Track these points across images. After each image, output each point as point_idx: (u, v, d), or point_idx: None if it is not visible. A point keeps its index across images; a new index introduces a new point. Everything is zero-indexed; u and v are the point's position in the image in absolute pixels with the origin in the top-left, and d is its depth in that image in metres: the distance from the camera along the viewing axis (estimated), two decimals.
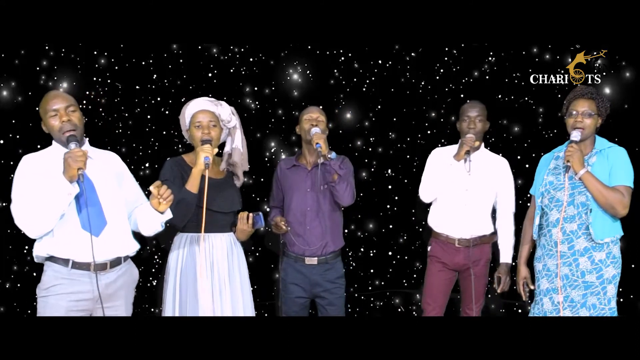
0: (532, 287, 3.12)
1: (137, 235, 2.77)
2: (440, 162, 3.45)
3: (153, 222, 2.67)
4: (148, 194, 2.68)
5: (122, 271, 2.63)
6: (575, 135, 2.89)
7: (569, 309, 2.89)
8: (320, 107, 3.46)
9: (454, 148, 3.49)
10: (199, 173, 2.80)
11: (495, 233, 3.49)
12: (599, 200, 2.83)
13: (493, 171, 3.45)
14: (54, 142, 2.63)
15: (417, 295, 4.80)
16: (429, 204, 3.57)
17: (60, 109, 2.55)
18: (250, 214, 2.99)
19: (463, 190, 3.39)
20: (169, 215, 2.69)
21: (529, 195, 3.30)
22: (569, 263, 2.89)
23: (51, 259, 2.54)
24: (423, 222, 3.64)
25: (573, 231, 2.89)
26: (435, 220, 3.50)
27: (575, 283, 2.88)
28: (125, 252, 2.64)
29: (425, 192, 3.47)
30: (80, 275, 2.51)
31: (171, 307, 2.90)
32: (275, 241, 4.17)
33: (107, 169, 2.68)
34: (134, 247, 2.70)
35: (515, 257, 3.35)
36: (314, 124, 3.27)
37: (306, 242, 3.27)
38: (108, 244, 2.55)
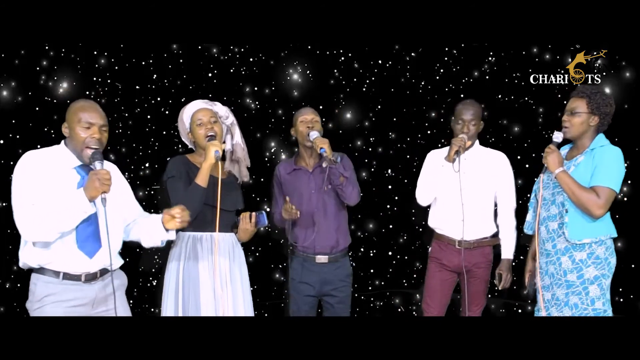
0: (534, 281, 3.12)
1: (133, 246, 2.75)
2: (435, 164, 3.45)
3: (155, 238, 2.67)
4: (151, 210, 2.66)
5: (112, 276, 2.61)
6: (556, 137, 2.91)
7: (554, 307, 2.89)
8: (309, 107, 3.43)
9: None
10: (209, 167, 2.80)
11: (497, 235, 3.47)
12: (572, 200, 2.82)
13: (489, 168, 3.41)
14: (62, 143, 2.58)
15: (417, 295, 4.80)
16: (428, 205, 3.57)
17: (96, 124, 2.52)
18: (254, 213, 2.99)
19: (457, 190, 3.36)
20: (172, 236, 2.69)
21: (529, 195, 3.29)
22: (553, 262, 2.91)
23: (40, 270, 2.50)
24: (423, 222, 3.62)
25: (554, 230, 2.90)
26: (436, 222, 3.50)
27: (559, 282, 2.89)
28: (112, 266, 2.61)
29: (421, 195, 3.46)
30: (72, 284, 2.50)
31: (173, 307, 2.89)
32: (285, 240, 4.16)
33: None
34: (118, 262, 2.68)
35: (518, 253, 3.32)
36: (309, 126, 3.26)
37: (316, 242, 3.27)
38: (98, 261, 2.54)
